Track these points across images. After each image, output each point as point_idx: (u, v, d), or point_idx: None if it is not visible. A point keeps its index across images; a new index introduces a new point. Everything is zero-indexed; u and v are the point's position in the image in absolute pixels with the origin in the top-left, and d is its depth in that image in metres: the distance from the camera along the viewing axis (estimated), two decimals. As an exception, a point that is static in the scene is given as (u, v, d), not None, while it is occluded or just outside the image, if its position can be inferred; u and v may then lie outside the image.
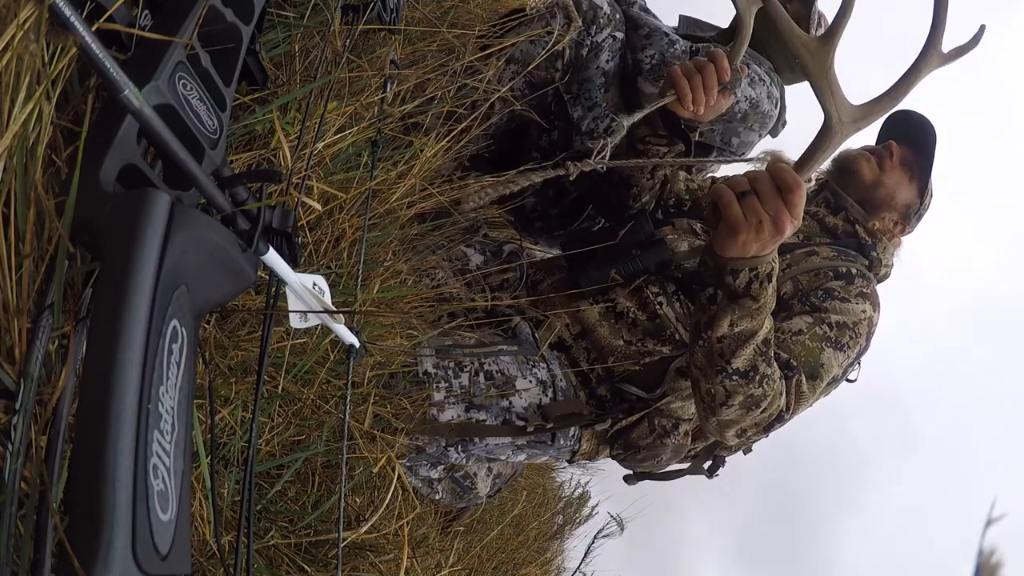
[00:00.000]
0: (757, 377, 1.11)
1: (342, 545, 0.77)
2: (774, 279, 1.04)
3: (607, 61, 1.52)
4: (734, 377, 1.10)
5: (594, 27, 1.48)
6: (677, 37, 1.56)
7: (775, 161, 0.95)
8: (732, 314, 1.05)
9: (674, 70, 1.19)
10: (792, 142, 1.81)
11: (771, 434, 1.31)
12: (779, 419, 1.21)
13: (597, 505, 3.62)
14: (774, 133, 1.74)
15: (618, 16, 1.53)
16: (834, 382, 1.31)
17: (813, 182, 1.58)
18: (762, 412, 1.16)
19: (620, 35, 1.53)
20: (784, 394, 1.19)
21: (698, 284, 1.09)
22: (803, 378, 1.22)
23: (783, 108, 1.70)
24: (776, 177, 0.93)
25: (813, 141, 0.93)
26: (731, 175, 1.66)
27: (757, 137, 1.68)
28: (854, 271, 1.36)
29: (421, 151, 1.17)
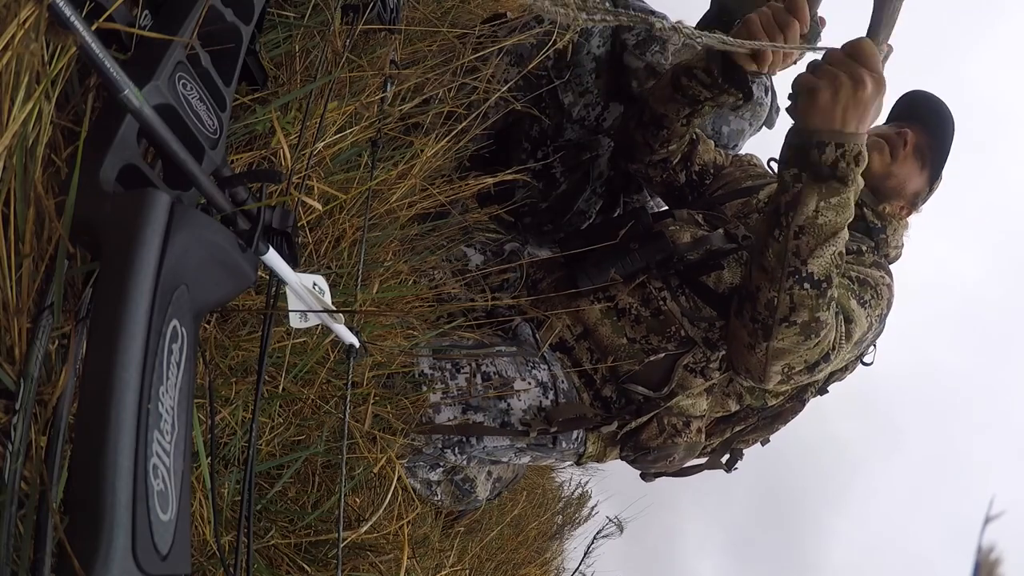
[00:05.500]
0: (829, 292, 1.05)
1: (342, 545, 0.77)
2: (862, 164, 0.99)
3: (598, 47, 1.52)
4: (806, 284, 1.03)
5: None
6: (664, 14, 1.56)
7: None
8: (818, 195, 1.00)
9: (754, 24, 1.12)
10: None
11: (815, 375, 1.21)
12: (825, 357, 1.15)
13: (596, 505, 3.62)
14: (769, 124, 1.72)
15: (607, 4, 1.53)
16: (858, 345, 1.25)
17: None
18: (816, 345, 1.10)
19: None
20: (834, 328, 1.13)
21: (780, 166, 1.05)
22: (842, 318, 1.16)
23: (774, 95, 1.69)
24: (845, 47, 0.96)
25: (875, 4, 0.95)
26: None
27: (748, 126, 1.66)
28: (864, 248, 1.35)
29: (421, 151, 1.17)
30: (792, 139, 1.02)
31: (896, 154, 1.39)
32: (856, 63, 0.95)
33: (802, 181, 1.01)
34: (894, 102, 1.50)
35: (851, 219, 1.04)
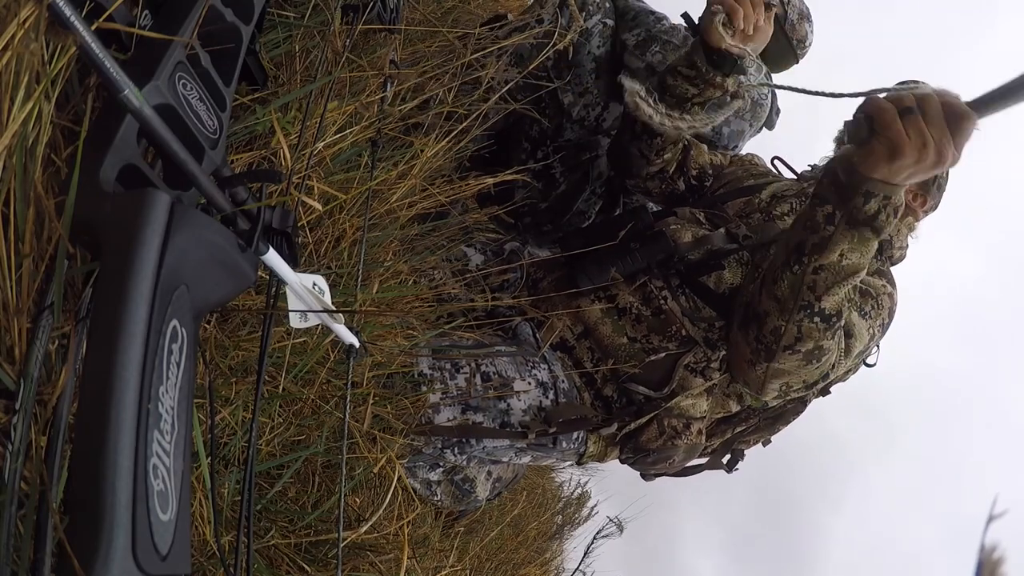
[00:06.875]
0: (837, 325, 1.03)
1: (342, 545, 0.77)
2: (899, 215, 0.95)
3: (598, 47, 1.52)
4: (815, 319, 1.02)
5: (584, 13, 1.49)
6: (664, 15, 1.56)
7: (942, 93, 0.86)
8: (848, 242, 0.96)
9: None
10: (786, 135, 1.80)
11: (811, 392, 1.21)
12: (824, 376, 1.15)
13: (596, 505, 3.62)
14: (770, 125, 1.72)
15: (607, 4, 1.53)
16: (859, 356, 1.25)
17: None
18: (817, 368, 1.09)
19: (610, 22, 1.53)
20: (836, 350, 1.12)
21: (815, 198, 0.99)
22: (843, 334, 1.15)
23: (774, 96, 1.69)
24: (946, 101, 0.84)
25: (1005, 84, 0.78)
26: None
27: (748, 127, 1.66)
28: None
29: (421, 151, 1.17)
30: (840, 176, 0.94)
31: None
32: (949, 136, 0.84)
33: (835, 224, 0.96)
34: None
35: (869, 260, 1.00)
